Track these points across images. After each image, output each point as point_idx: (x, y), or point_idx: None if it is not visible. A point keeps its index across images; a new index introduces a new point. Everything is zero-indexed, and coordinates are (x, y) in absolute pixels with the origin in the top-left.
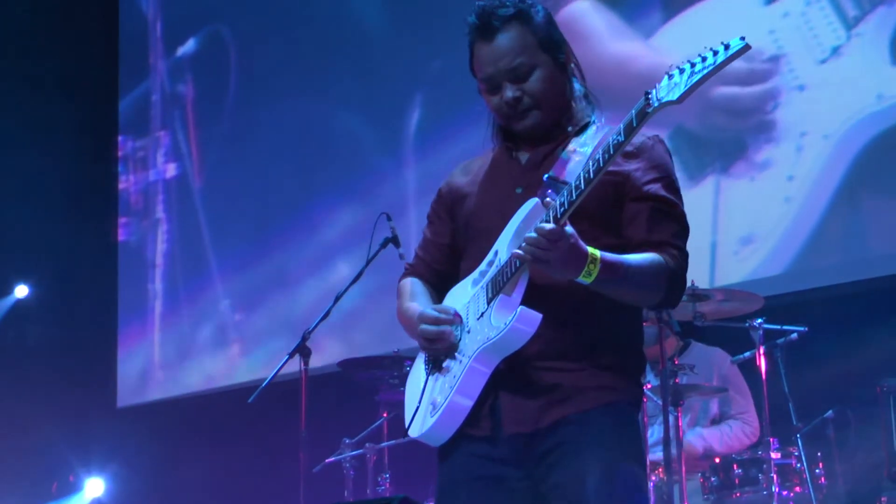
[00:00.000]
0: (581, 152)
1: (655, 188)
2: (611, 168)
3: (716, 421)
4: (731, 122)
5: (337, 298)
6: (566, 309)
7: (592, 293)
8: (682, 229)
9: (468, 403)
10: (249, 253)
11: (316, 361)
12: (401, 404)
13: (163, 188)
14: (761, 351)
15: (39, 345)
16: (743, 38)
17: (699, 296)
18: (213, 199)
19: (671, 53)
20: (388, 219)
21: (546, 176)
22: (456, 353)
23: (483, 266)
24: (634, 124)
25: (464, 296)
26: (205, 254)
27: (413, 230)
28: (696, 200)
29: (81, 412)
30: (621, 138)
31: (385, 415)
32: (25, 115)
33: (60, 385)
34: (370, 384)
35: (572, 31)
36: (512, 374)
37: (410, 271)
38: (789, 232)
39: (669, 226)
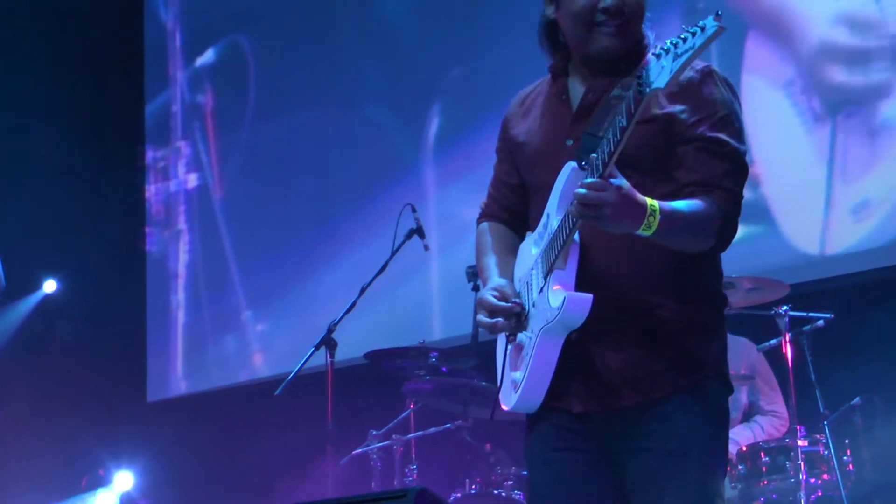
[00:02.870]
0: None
1: (701, 129)
2: (655, 111)
3: (746, 412)
4: (849, 77)
5: (362, 290)
6: (623, 281)
7: (651, 262)
8: (734, 168)
9: (545, 378)
10: (271, 263)
11: (342, 353)
12: (426, 394)
13: (184, 199)
14: (787, 338)
15: (69, 339)
16: (718, 18)
17: (725, 284)
18: (234, 210)
19: None
20: (413, 210)
21: (584, 132)
22: (526, 328)
23: (540, 228)
24: (633, 111)
25: (528, 259)
26: (227, 264)
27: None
28: (811, 156)
29: (111, 406)
30: (625, 122)
31: (412, 406)
32: (58, 115)
33: (90, 379)
34: (396, 375)
35: None
36: (582, 350)
37: (486, 213)
38: None
39: (717, 166)
